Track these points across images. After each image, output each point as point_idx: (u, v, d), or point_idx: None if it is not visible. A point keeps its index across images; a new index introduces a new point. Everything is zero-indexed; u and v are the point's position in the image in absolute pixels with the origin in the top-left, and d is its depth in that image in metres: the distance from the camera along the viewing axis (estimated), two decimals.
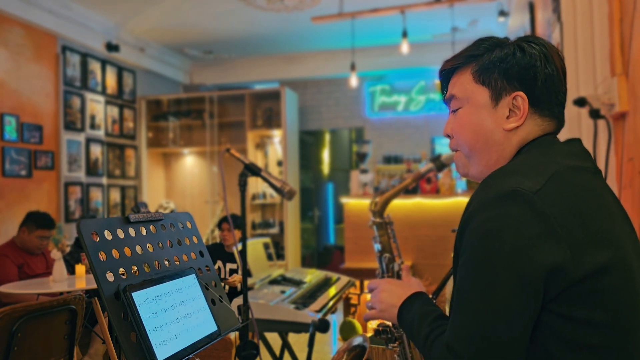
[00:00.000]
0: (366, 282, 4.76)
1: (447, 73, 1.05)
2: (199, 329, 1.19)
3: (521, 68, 0.95)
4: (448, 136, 1.05)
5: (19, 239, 3.66)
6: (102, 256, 1.08)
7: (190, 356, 1.12)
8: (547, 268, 0.81)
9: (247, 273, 2.25)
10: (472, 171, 1.02)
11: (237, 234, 3.38)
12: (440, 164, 1.45)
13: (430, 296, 1.14)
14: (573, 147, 0.96)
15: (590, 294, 0.82)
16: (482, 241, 0.83)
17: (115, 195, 6.38)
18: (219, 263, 3.43)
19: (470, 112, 1.00)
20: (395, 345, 1.24)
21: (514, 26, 5.42)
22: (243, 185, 2.18)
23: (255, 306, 2.55)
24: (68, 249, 3.45)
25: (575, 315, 0.82)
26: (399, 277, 1.31)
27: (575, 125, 2.57)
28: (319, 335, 4.35)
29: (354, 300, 4.53)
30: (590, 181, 0.91)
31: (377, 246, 1.38)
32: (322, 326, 2.43)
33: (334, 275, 3.56)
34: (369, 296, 1.14)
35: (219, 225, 3.89)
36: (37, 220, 3.64)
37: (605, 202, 0.90)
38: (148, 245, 1.21)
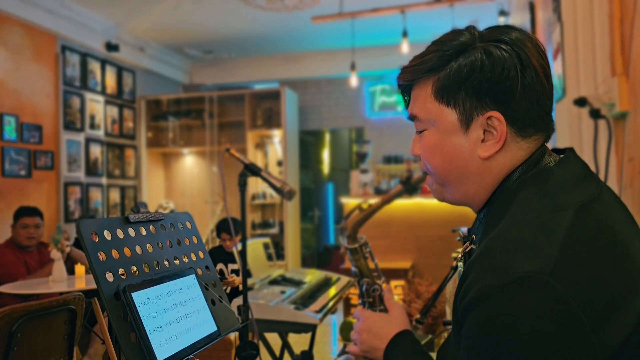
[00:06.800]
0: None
1: (406, 86, 0.89)
2: (198, 329, 1.18)
3: (492, 83, 0.78)
4: (417, 156, 0.91)
5: (13, 236, 3.77)
6: (101, 256, 1.08)
7: (190, 356, 1.12)
8: None
9: (247, 273, 2.25)
10: (448, 198, 0.90)
11: (237, 238, 3.37)
12: (410, 187, 1.34)
13: (417, 317, 1.11)
14: (570, 171, 0.81)
15: None
16: (492, 340, 0.70)
17: (114, 195, 6.37)
18: (221, 265, 3.43)
19: (436, 138, 0.85)
20: None
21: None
22: (243, 185, 2.17)
23: (255, 306, 2.54)
24: (68, 249, 3.45)
25: None
26: (381, 300, 1.26)
27: (576, 125, 2.57)
28: (319, 335, 4.35)
29: (354, 301, 4.52)
30: (601, 217, 0.76)
31: (354, 270, 1.31)
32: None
33: (334, 276, 3.56)
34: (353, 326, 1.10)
35: (218, 233, 3.89)
36: (18, 212, 3.77)
37: (620, 239, 0.76)
38: (148, 245, 1.20)
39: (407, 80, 0.87)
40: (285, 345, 3.20)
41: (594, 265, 0.71)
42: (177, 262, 1.27)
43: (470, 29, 0.84)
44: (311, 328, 2.64)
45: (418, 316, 1.31)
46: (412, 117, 0.89)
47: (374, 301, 1.23)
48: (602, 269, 0.72)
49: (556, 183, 0.79)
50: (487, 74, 0.79)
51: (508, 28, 0.83)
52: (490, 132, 0.81)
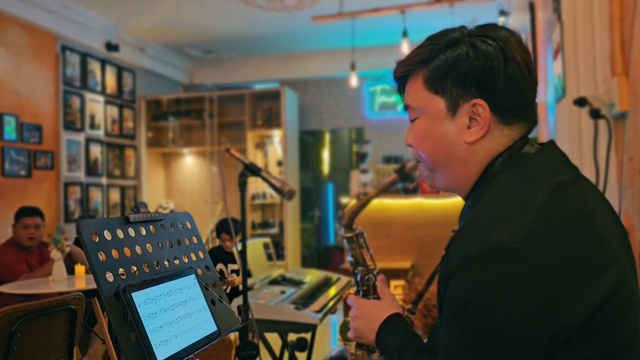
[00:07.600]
0: None
1: (401, 78, 0.96)
2: (198, 329, 1.19)
3: (477, 73, 0.85)
4: (410, 145, 0.98)
5: (14, 236, 3.77)
6: (101, 256, 1.08)
7: (190, 356, 1.12)
8: (544, 331, 0.74)
9: (247, 273, 2.25)
10: (438, 184, 0.95)
11: (237, 238, 3.37)
12: (404, 175, 1.39)
13: (409, 307, 1.11)
14: (549, 158, 0.87)
15: (591, 333, 0.76)
16: (469, 305, 0.75)
17: (114, 196, 6.37)
18: (221, 265, 3.43)
19: (427, 125, 0.91)
20: (377, 355, 1.23)
21: (514, 26, 5.42)
22: (243, 185, 2.17)
23: (255, 306, 2.54)
24: (68, 249, 3.46)
25: (579, 356, 0.76)
26: (374, 288, 1.29)
27: (576, 125, 2.57)
28: (319, 336, 4.35)
29: None
30: (576, 199, 0.82)
31: (350, 259, 1.34)
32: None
33: (334, 276, 3.56)
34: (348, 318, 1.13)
35: (218, 233, 3.89)
36: (19, 212, 3.79)
37: (595, 222, 0.81)
38: (148, 245, 1.20)
39: (402, 72, 0.94)
40: (285, 345, 3.20)
41: (565, 240, 0.77)
42: (177, 262, 1.27)
43: (461, 27, 0.91)
44: (311, 328, 2.64)
45: (409, 306, 1.32)
46: (406, 107, 0.96)
47: (368, 290, 1.26)
48: (573, 244, 0.77)
49: (534, 168, 0.85)
50: (472, 64, 0.85)
51: (495, 26, 0.89)
52: (475, 119, 0.87)
